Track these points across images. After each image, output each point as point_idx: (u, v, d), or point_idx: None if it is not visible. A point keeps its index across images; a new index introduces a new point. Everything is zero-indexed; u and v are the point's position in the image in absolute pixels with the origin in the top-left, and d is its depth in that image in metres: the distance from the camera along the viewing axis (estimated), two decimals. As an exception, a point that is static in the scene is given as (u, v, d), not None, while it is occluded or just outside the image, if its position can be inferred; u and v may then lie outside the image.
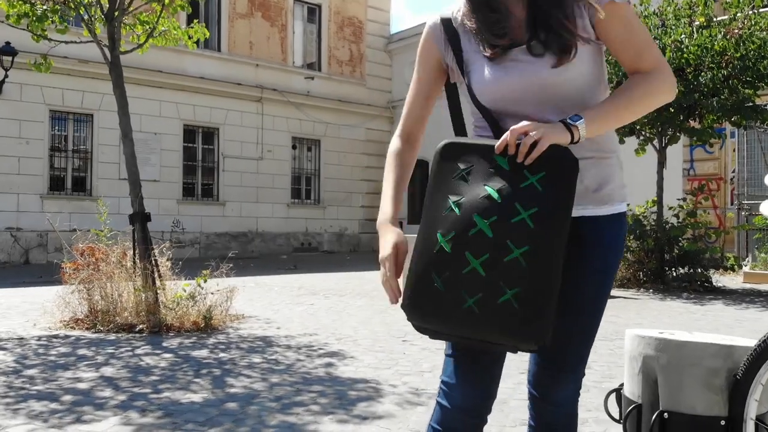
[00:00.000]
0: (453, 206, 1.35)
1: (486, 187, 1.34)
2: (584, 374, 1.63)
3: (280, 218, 18.00)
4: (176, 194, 15.96)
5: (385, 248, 1.53)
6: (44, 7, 5.99)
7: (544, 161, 1.33)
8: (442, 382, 1.54)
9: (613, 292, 8.66)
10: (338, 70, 19.55)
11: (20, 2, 6.02)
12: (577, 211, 1.42)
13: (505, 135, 1.36)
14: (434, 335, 1.40)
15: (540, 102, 1.46)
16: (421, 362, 4.27)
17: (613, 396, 2.28)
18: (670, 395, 1.97)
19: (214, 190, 17.17)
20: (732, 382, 1.90)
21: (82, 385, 3.58)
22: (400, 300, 1.43)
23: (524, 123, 1.36)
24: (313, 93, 18.73)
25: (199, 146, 17.00)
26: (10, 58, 13.33)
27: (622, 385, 2.25)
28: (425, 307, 1.36)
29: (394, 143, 1.72)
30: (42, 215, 14.19)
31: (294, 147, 18.69)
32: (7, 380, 3.66)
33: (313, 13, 19.35)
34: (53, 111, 14.73)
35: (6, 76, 13.66)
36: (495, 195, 1.32)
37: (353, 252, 18.85)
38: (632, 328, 5.83)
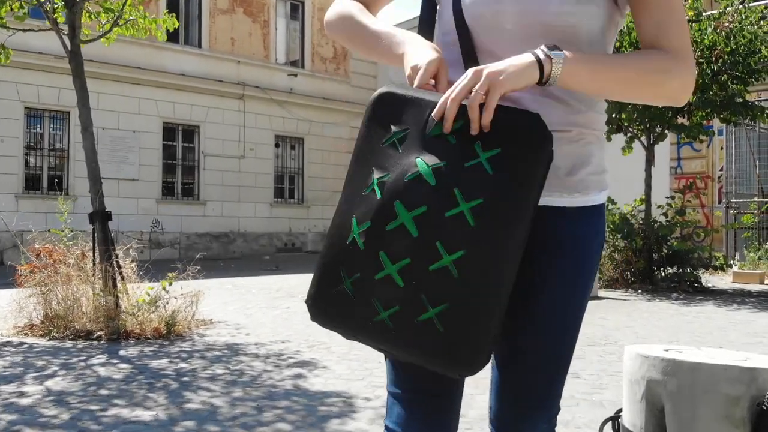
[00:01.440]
0: (375, 185, 1.01)
1: (418, 162, 0.99)
2: (559, 410, 1.26)
3: (262, 218, 17.64)
4: (155, 193, 15.57)
5: (423, 55, 1.10)
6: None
7: (504, 131, 0.97)
8: (387, 429, 1.20)
9: (601, 293, 8.41)
10: (322, 68, 19.22)
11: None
12: (541, 200, 1.05)
13: (444, 97, 1.01)
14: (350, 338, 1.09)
15: (533, 43, 1.07)
16: (398, 372, 3.98)
17: (609, 426, 1.97)
18: (681, 428, 1.65)
19: (195, 190, 16.78)
20: (756, 412, 1.58)
21: (24, 401, 3.25)
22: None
23: (471, 72, 1.00)
24: (297, 90, 18.38)
25: (179, 144, 16.59)
26: (-19, 53, 12.89)
27: (620, 411, 1.94)
28: (330, 311, 1.07)
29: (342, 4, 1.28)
30: (17, 215, 13.78)
31: (277, 145, 18.33)
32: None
33: (296, 10, 19.00)
34: (28, 108, 14.28)
35: (-23, 72, 13.22)
36: (429, 175, 0.97)
37: (337, 252, 18.54)
38: (622, 331, 5.60)
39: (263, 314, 6.37)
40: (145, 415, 3.04)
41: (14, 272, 5.39)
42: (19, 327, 5.08)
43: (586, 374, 4.04)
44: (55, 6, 5.89)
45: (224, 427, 2.89)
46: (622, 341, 5.15)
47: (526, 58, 1.02)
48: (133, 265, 5.51)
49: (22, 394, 3.37)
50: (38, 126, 14.69)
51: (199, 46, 16.78)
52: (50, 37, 6.38)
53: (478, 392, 3.54)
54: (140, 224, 15.26)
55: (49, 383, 3.56)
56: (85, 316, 5.03)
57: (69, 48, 5.62)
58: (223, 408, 3.17)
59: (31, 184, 14.42)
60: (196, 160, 16.76)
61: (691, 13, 8.85)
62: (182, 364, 4.09)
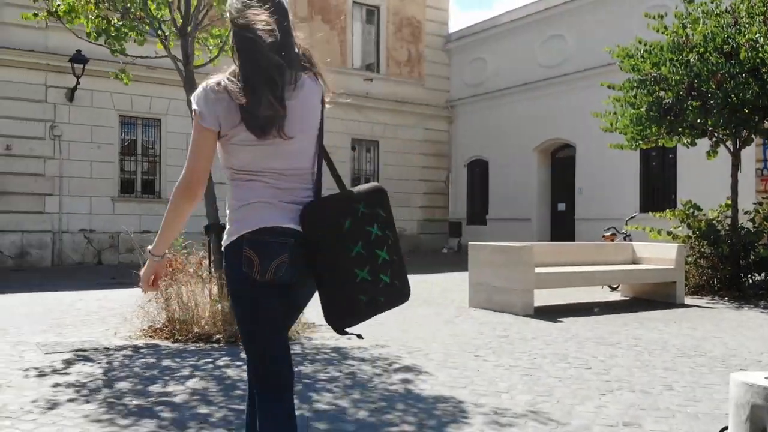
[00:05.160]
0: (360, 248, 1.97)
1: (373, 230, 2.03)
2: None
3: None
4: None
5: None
6: (120, 23, 6.20)
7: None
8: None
9: (687, 300, 8.43)
10: (396, 71, 19.58)
11: (98, 18, 6.26)
12: None
13: None
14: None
15: None
16: (497, 381, 4.25)
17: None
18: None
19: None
20: None
21: (175, 399, 3.70)
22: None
23: None
24: (372, 94, 18.81)
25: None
26: (81, 66, 13.86)
27: (725, 429, 2.17)
28: (361, 308, 1.99)
29: None
30: (113, 217, 14.76)
31: (353, 148, 18.83)
32: (101, 395, 3.81)
33: (372, 15, 19.42)
34: (123, 116, 15.25)
35: (78, 83, 14.22)
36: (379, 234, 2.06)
37: (413, 253, 18.84)
38: (711, 341, 5.71)
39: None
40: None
41: (133, 275, 5.94)
42: (144, 330, 5.62)
43: (679, 386, 4.19)
44: (167, 34, 6.43)
45: (355, 427, 3.25)
46: (712, 352, 5.25)
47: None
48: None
49: (169, 394, 3.83)
50: (132, 133, 15.65)
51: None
52: (141, 49, 6.87)
53: (576, 402, 3.78)
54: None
55: (189, 383, 4.02)
56: (203, 320, 5.53)
57: (183, 74, 6.13)
58: (349, 409, 3.54)
59: (126, 187, 15.40)
60: (278, 163, 17.40)
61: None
62: (300, 367, 4.49)
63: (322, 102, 2.15)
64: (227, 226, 2.01)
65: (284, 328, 2.08)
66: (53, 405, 3.56)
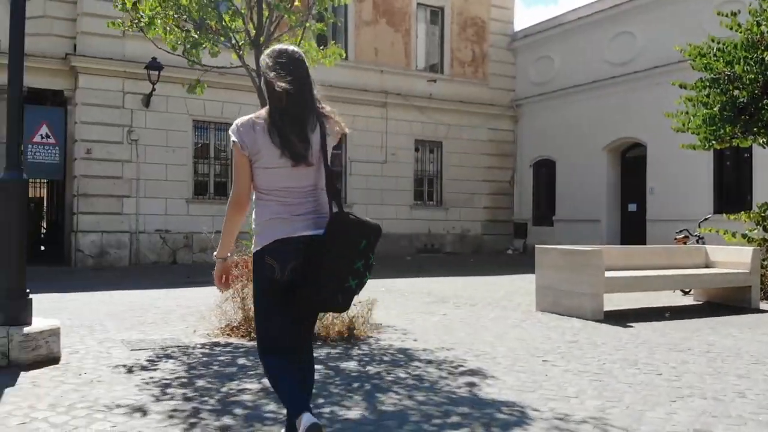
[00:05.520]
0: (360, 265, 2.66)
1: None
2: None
3: (403, 220, 18.31)
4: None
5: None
6: (196, 35, 6.49)
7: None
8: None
9: (763, 305, 8.17)
10: (461, 71, 19.56)
11: (177, 29, 6.57)
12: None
13: None
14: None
15: None
16: (566, 386, 4.27)
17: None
18: None
19: (343, 193, 17.75)
20: None
21: (246, 397, 3.90)
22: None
23: None
24: (436, 95, 18.87)
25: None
26: (156, 73, 14.47)
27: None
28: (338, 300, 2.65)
29: None
30: (187, 218, 15.36)
31: (416, 149, 18.93)
32: (183, 391, 4.04)
33: (436, 16, 19.47)
34: (196, 121, 15.85)
35: (153, 89, 14.85)
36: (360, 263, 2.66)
37: (476, 253, 18.81)
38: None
39: (423, 320, 6.85)
40: (351, 414, 3.57)
41: (209, 274, 6.21)
42: (221, 328, 5.88)
43: (752, 394, 4.11)
44: (240, 44, 6.69)
45: (421, 429, 3.35)
46: (789, 361, 5.09)
47: None
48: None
49: (242, 391, 4.03)
50: (204, 137, 16.23)
51: (346, 58, 17.68)
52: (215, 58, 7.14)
53: (646, 408, 3.77)
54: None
55: (264, 381, 4.21)
56: (274, 319, 5.74)
57: (257, 84, 6.35)
58: (414, 410, 3.64)
59: (200, 189, 15.99)
60: (344, 165, 17.71)
61: None
62: (368, 367, 4.63)
63: (324, 135, 2.68)
64: (254, 237, 2.71)
65: (290, 310, 2.70)
66: (141, 400, 3.80)
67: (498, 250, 19.43)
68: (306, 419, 2.45)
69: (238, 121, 2.65)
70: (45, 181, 19.68)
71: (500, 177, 20.01)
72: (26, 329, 4.60)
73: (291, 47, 2.75)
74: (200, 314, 6.74)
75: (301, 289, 2.59)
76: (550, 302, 7.59)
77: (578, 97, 18.03)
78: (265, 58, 2.67)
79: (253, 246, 2.70)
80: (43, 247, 18.16)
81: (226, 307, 5.95)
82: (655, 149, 15.84)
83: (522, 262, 14.89)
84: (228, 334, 5.75)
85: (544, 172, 19.39)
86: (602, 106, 17.30)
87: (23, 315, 4.70)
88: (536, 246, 8.19)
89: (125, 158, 15.04)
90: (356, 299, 5.70)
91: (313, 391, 3.91)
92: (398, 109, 18.30)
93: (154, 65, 14.19)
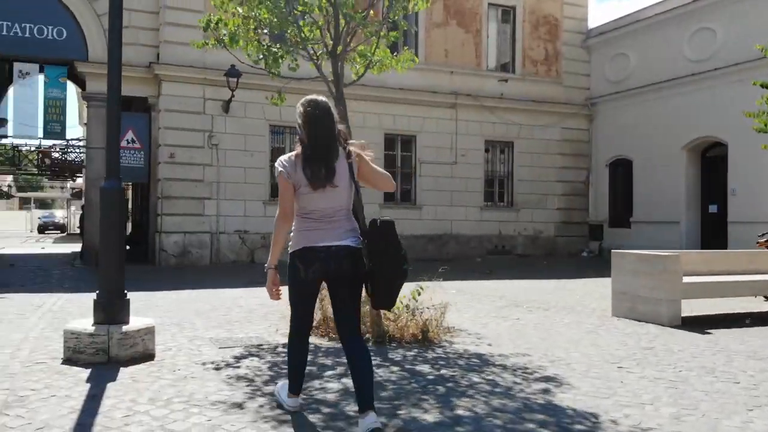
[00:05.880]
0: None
1: None
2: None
3: (473, 221, 18.30)
4: (379, 199, 16.85)
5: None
6: (276, 49, 6.78)
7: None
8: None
9: None
10: (533, 70, 19.36)
11: (257, 43, 6.87)
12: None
13: None
14: None
15: None
16: (641, 393, 4.28)
17: None
18: None
19: (412, 195, 17.92)
20: None
21: (329, 396, 4.10)
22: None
23: None
24: (507, 95, 18.75)
25: (398, 153, 17.86)
26: (235, 80, 15.03)
27: None
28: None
29: None
30: (265, 219, 15.88)
31: (487, 150, 18.87)
32: (268, 389, 4.29)
33: (507, 15, 19.34)
34: (273, 125, 16.37)
35: (232, 96, 15.44)
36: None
37: (549, 256, 18.59)
38: None
39: (496, 324, 6.92)
40: (428, 417, 3.71)
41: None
42: (300, 328, 6.13)
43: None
44: (318, 54, 6.93)
45: (496, 433, 3.46)
46: None
47: None
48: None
49: (325, 390, 4.24)
50: (280, 141, 16.73)
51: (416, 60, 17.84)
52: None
53: (723, 416, 3.75)
54: (364, 227, 16.66)
55: (345, 380, 4.42)
56: (351, 321, 5.95)
57: (334, 94, 6.59)
58: (488, 415, 3.75)
59: (276, 191, 16.42)
60: (413, 167, 17.87)
61: None
62: (443, 371, 4.76)
63: (351, 163, 3.40)
64: (289, 243, 3.43)
65: (312, 301, 3.63)
66: (232, 397, 4.07)
67: (572, 252, 19.13)
68: (368, 419, 3.24)
69: (283, 156, 3.43)
70: (129, 183, 20.71)
71: (574, 177, 19.68)
72: (125, 328, 4.97)
73: (320, 98, 3.47)
74: (281, 314, 7.02)
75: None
76: (626, 308, 7.50)
77: (656, 94, 17.54)
78: (299, 106, 3.42)
79: (289, 249, 3.44)
80: (128, 247, 19.14)
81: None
82: (736, 148, 15.25)
83: (597, 265, 14.65)
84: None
85: (621, 172, 18.94)
86: (681, 104, 16.77)
87: (122, 314, 5.08)
88: (612, 251, 8.10)
89: (206, 162, 15.69)
90: (430, 303, 5.89)
91: (390, 393, 4.10)
92: (468, 109, 18.30)
93: (233, 73, 14.75)
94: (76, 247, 21.55)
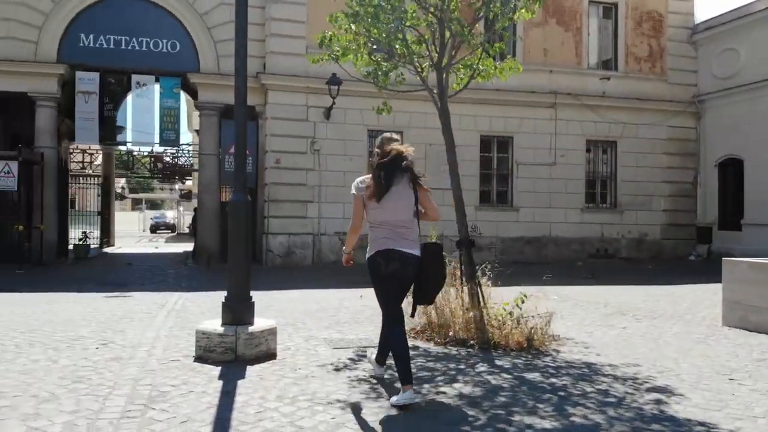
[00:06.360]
0: None
1: None
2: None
3: (573, 223, 17.98)
4: (474, 201, 16.90)
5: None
6: (384, 63, 7.05)
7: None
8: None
9: None
10: (636, 68, 18.80)
11: (367, 57, 7.17)
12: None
13: None
14: None
15: None
16: (753, 406, 4.21)
17: None
18: None
19: (508, 196, 17.84)
20: None
21: (445, 400, 4.30)
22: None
23: None
24: (609, 93, 18.31)
25: (494, 155, 17.83)
26: (336, 87, 15.52)
27: None
28: None
29: None
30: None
31: (588, 150, 18.50)
32: (383, 390, 4.54)
33: (609, 12, 18.87)
34: (370, 130, 16.77)
35: (333, 103, 15.95)
36: None
37: (654, 259, 17.99)
38: None
39: (602, 333, 6.88)
40: (545, 424, 3.83)
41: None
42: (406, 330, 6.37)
43: None
44: (423, 65, 7.14)
45: (610, 443, 3.54)
46: None
47: None
48: (489, 283, 6.49)
49: (440, 394, 4.44)
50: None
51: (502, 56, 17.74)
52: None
53: None
54: (461, 229, 16.79)
55: (456, 386, 4.61)
56: (456, 325, 6.14)
57: (438, 105, 6.80)
58: (604, 425, 3.82)
59: (374, 194, 16.86)
60: (510, 168, 17.79)
61: None
62: (552, 379, 4.85)
63: (415, 187, 4.33)
64: (368, 247, 4.39)
65: (395, 293, 4.41)
66: (351, 396, 4.35)
67: (679, 255, 18.42)
68: (404, 396, 4.08)
69: (357, 179, 4.45)
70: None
71: (681, 177, 18.94)
72: (250, 329, 5.38)
73: (393, 135, 4.56)
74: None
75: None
76: (738, 317, 7.26)
77: (770, 90, 16.62)
78: (377, 140, 4.51)
79: (367, 254, 4.41)
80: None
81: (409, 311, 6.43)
82: None
83: (706, 270, 14.09)
84: (413, 337, 6.22)
85: (731, 171, 18.06)
86: (800, 99, 15.81)
87: (247, 316, 5.49)
88: (723, 259, 7.83)
89: (308, 167, 16.31)
90: (534, 311, 5.97)
91: (504, 399, 4.26)
92: (568, 109, 18.01)
93: (334, 81, 15.26)
94: (187, 247, 22.90)
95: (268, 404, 4.18)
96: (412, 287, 4.52)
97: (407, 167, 4.26)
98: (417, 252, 4.33)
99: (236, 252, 5.55)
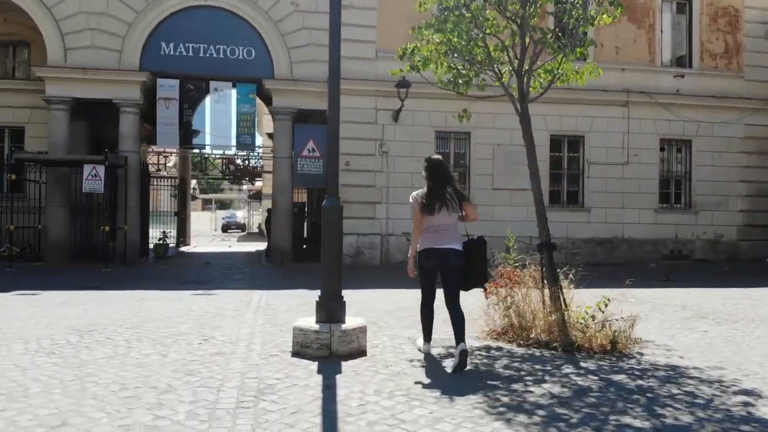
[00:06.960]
0: None
1: None
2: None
3: (647, 224, 17.70)
4: (545, 202, 16.80)
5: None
6: (466, 71, 7.25)
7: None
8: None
9: None
10: (711, 64, 18.33)
11: (448, 66, 7.38)
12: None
13: None
14: None
15: None
16: None
17: None
18: None
19: (579, 197, 17.71)
20: None
21: (534, 400, 4.48)
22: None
23: None
24: (683, 91, 17.94)
25: (565, 155, 17.72)
26: (405, 90, 15.78)
27: None
28: None
29: None
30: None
31: (662, 149, 18.16)
32: (475, 388, 4.75)
33: (683, 8, 18.46)
34: (438, 131, 16.98)
35: (402, 105, 16.21)
36: None
37: (731, 261, 17.52)
38: None
39: (684, 336, 6.89)
40: (637, 423, 3.96)
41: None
42: (487, 331, 6.56)
43: None
44: (503, 71, 7.30)
45: (704, 444, 3.65)
46: None
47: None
48: (571, 286, 6.60)
49: (529, 393, 4.62)
50: (445, 146, 17.30)
51: (584, 59, 17.55)
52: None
53: None
54: (530, 229, 16.70)
55: (546, 386, 4.78)
56: (538, 327, 6.28)
57: (519, 110, 6.95)
58: (694, 425, 3.93)
59: (442, 195, 17.05)
60: (581, 168, 17.65)
61: None
62: (639, 381, 4.96)
63: (461, 203, 5.60)
64: (418, 244, 5.57)
65: (432, 282, 5.57)
66: (444, 391, 4.58)
67: (757, 257, 17.87)
68: (461, 346, 5.20)
69: (415, 192, 5.62)
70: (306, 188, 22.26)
71: (760, 177, 18.36)
72: (343, 326, 5.69)
73: (437, 157, 5.78)
74: (467, 317, 7.47)
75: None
76: (828, 322, 7.12)
77: None
78: (424, 162, 5.70)
79: (417, 249, 5.53)
80: (305, 246, 20.66)
81: (491, 313, 6.63)
82: None
83: (787, 272, 13.66)
84: (495, 338, 6.40)
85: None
86: None
87: (339, 314, 5.81)
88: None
89: (377, 169, 16.65)
90: (618, 314, 6.06)
91: (594, 400, 4.41)
92: (641, 107, 17.73)
93: (403, 83, 15.51)
94: (258, 246, 23.65)
95: (368, 398, 4.45)
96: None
97: (452, 186, 5.59)
98: (457, 246, 5.47)
99: (329, 254, 5.87)
